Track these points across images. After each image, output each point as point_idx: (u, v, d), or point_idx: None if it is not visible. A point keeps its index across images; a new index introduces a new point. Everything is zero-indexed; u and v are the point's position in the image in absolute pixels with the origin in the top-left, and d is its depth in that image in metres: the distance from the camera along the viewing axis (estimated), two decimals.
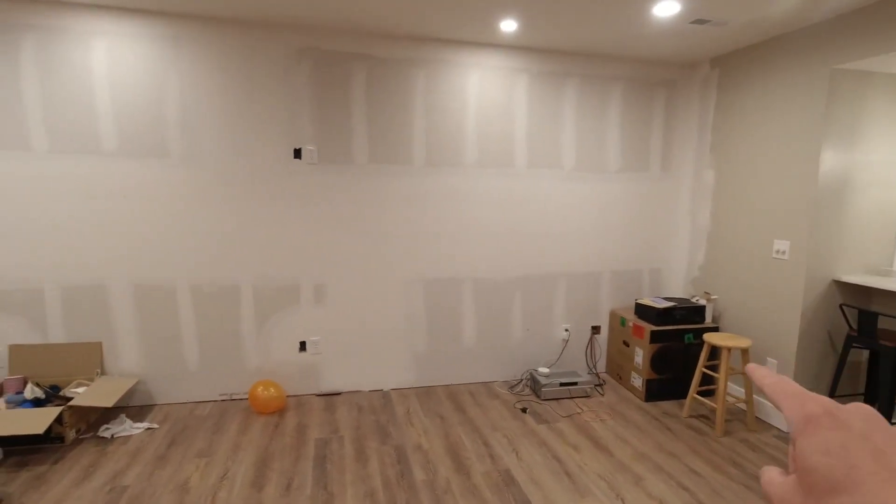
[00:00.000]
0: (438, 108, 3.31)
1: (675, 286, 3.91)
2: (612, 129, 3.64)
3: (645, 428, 3.00)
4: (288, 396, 3.25)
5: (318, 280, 3.27)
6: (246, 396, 3.20)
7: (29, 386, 2.82)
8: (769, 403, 1.86)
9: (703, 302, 3.45)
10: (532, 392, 3.48)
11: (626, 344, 3.58)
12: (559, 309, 3.73)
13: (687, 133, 3.76)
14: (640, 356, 3.41)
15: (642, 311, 3.49)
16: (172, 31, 2.88)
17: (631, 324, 3.52)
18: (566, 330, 3.76)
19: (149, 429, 2.82)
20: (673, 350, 3.36)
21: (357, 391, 3.41)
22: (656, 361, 3.35)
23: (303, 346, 3.30)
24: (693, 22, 2.80)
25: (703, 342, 3.35)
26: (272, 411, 3.06)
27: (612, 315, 3.79)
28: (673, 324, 3.38)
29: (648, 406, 3.31)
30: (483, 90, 3.37)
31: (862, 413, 0.29)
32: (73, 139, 2.85)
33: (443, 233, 3.43)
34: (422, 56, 3.23)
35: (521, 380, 3.69)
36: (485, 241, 3.51)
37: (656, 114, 3.71)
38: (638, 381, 3.43)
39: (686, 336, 3.37)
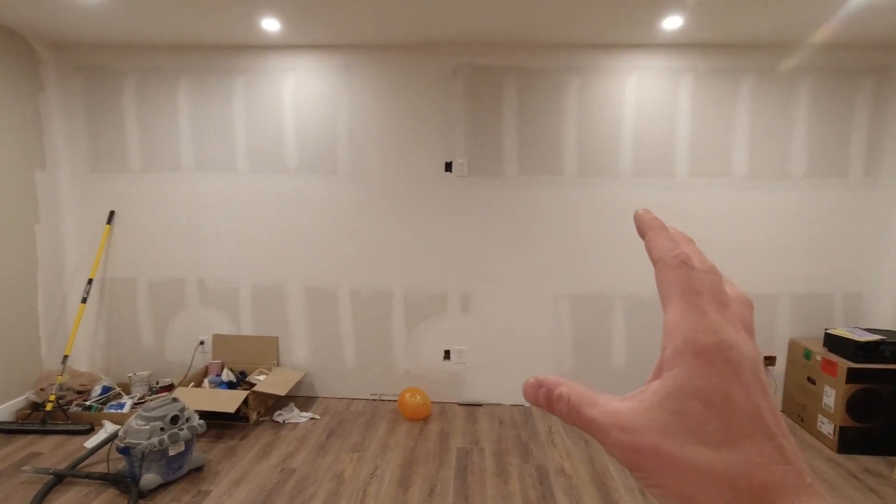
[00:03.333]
0: (591, 117, 3.18)
1: (881, 316, 3.22)
2: (798, 129, 3.14)
3: (837, 485, 2.50)
4: (432, 402, 3.37)
5: (464, 290, 3.35)
6: (394, 398, 3.40)
7: (225, 370, 3.34)
8: None
9: None
10: None
11: (812, 381, 3.03)
12: None
13: None
14: (830, 397, 2.86)
15: (834, 343, 2.93)
16: (344, 62, 3.21)
17: (819, 357, 2.98)
18: None
19: (312, 418, 3.15)
20: (880, 394, 2.76)
21: (498, 404, 3.41)
22: (856, 406, 2.78)
23: (447, 354, 3.40)
24: None
25: None
26: (419, 418, 3.20)
27: (793, 345, 3.25)
28: (879, 361, 2.77)
29: (843, 459, 2.76)
30: (641, 95, 3.15)
31: (751, 356, 0.25)
32: (266, 161, 3.32)
33: (593, 246, 3.27)
34: (574, 64, 3.14)
35: None
36: (639, 256, 3.26)
37: (859, 108, 3.10)
38: (828, 428, 2.88)
39: None
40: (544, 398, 0.28)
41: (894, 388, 2.75)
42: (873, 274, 3.23)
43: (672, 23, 2.75)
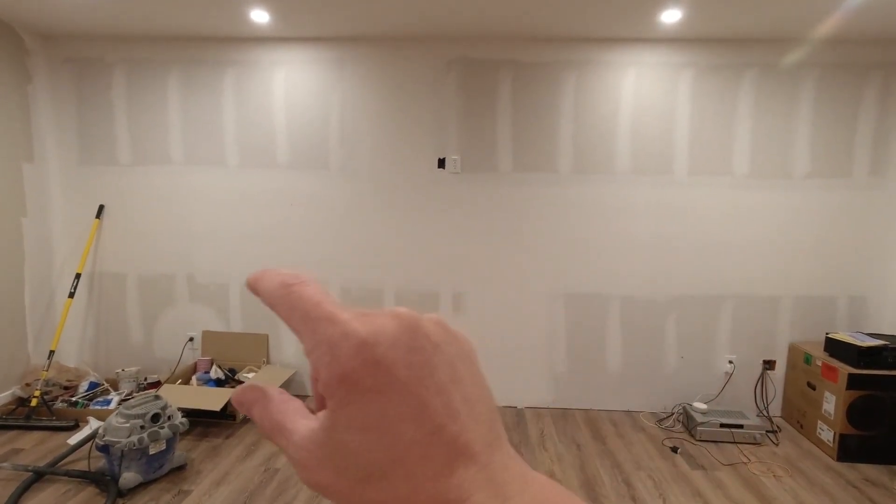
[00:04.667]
0: (588, 113, 3.10)
1: (885, 320, 3.13)
2: (801, 126, 3.05)
3: (837, 495, 2.42)
4: None
5: (457, 289, 3.29)
6: None
7: (214, 367, 3.30)
8: None
9: None
10: (685, 429, 3.06)
11: (812, 386, 2.95)
12: (722, 336, 3.23)
13: None
14: (831, 403, 2.78)
15: (836, 347, 2.85)
16: (336, 55, 3.14)
17: (819, 362, 2.90)
18: (730, 362, 3.24)
19: None
20: (881, 401, 2.67)
21: None
22: (856, 413, 2.70)
23: None
24: None
25: None
26: None
27: (793, 349, 3.16)
28: (882, 367, 2.69)
29: (842, 468, 2.68)
30: (639, 90, 3.07)
31: (407, 351, 0.21)
32: (256, 155, 3.26)
33: (589, 245, 3.20)
34: (571, 58, 3.06)
35: (672, 413, 3.27)
36: (635, 255, 3.19)
37: (866, 105, 3.01)
38: (828, 434, 2.80)
39: None
40: (248, 414, 0.24)
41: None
42: (877, 277, 3.13)
43: (671, 16, 2.67)
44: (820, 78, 3.01)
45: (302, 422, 0.23)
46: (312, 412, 0.23)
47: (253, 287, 0.25)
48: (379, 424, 0.21)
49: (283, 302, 0.23)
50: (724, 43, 3.00)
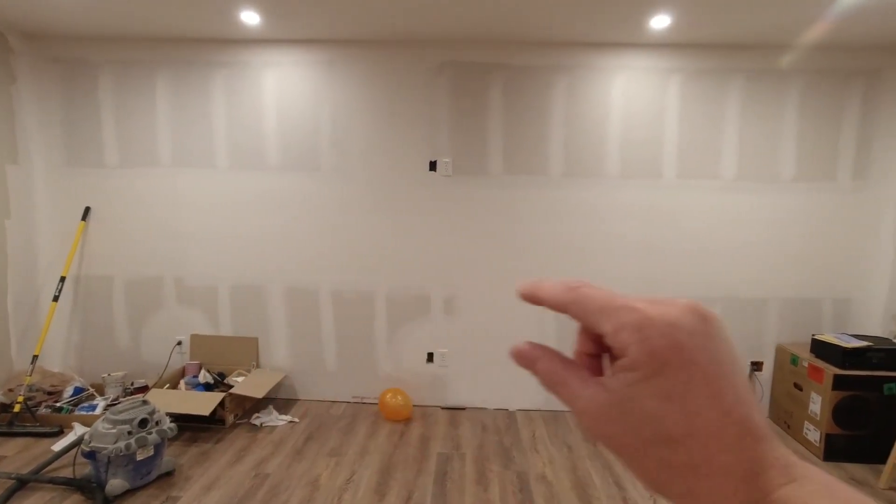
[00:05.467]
0: (578, 116, 3.12)
1: (869, 322, 3.18)
2: (787, 131, 3.10)
3: None
4: (414, 406, 3.30)
5: (448, 292, 3.28)
6: (375, 401, 3.33)
7: (203, 371, 3.26)
8: None
9: None
10: None
11: (799, 387, 2.99)
12: None
13: (893, 133, 3.04)
14: (817, 404, 2.82)
15: (822, 349, 2.89)
16: (327, 57, 3.13)
17: (806, 364, 2.94)
18: None
19: (291, 422, 3.07)
20: (866, 401, 2.72)
21: (482, 408, 3.35)
22: (842, 413, 2.74)
23: (430, 357, 3.34)
24: None
25: None
26: (399, 419, 3.13)
27: (780, 350, 3.21)
28: (866, 368, 2.74)
29: (828, 467, 2.71)
30: (629, 95, 3.10)
31: (704, 339, 0.25)
32: (246, 157, 3.24)
33: (579, 248, 3.22)
34: (562, 62, 3.08)
35: None
36: (625, 258, 3.21)
37: (849, 110, 3.07)
38: (814, 435, 2.84)
39: (887, 386, 2.70)
40: (529, 368, 0.30)
41: (881, 396, 2.71)
42: (861, 279, 3.19)
43: (660, 22, 2.71)
44: (805, 84, 3.06)
45: (589, 381, 0.27)
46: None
47: (531, 297, 0.30)
48: (680, 398, 0.24)
49: (575, 301, 0.27)
50: (711, 48, 3.04)
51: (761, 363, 3.27)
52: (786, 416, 3.11)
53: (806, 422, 2.91)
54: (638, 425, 0.25)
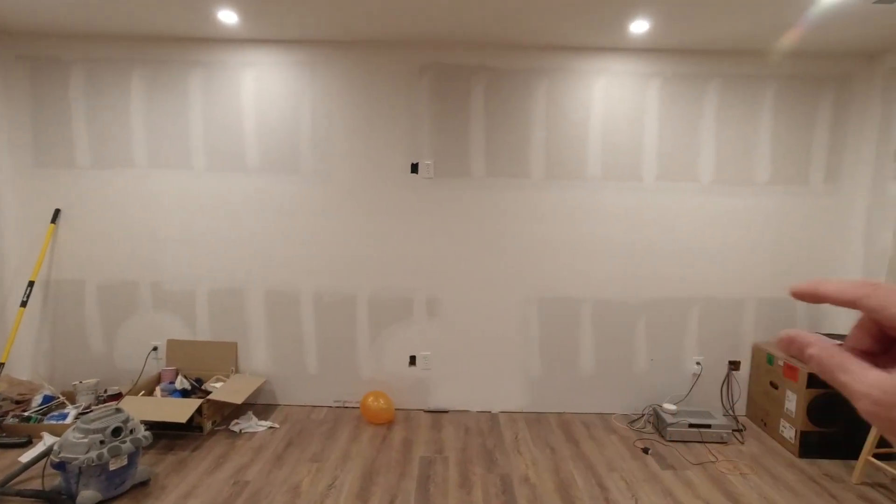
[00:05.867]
0: (559, 119, 3.14)
1: (840, 321, 3.27)
2: (762, 135, 3.17)
3: (799, 491, 2.51)
4: (396, 409, 3.28)
5: (430, 295, 3.27)
6: (357, 405, 3.29)
7: (179, 377, 3.18)
8: None
9: None
10: (655, 430, 3.12)
11: (775, 386, 3.05)
12: (690, 339, 3.32)
13: (863, 138, 3.14)
14: (792, 402, 2.89)
15: None
16: (308, 58, 3.09)
17: (781, 362, 3.00)
18: (698, 363, 3.33)
19: (271, 427, 3.02)
20: (839, 399, 2.79)
21: (465, 411, 3.34)
22: (816, 411, 2.81)
23: (413, 360, 3.32)
24: (878, 1, 2.32)
25: None
26: (381, 422, 3.10)
27: (757, 350, 3.27)
28: None
29: (804, 464, 2.78)
30: (609, 98, 3.13)
31: None
32: (224, 159, 3.17)
33: (561, 250, 3.24)
34: (543, 65, 3.10)
35: (643, 415, 3.33)
36: (607, 259, 3.24)
37: (821, 116, 3.15)
38: (789, 432, 2.90)
39: None
40: (797, 353, 0.31)
41: None
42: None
43: (639, 26, 2.74)
44: (779, 89, 3.13)
45: (870, 367, 0.28)
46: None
47: (813, 295, 0.31)
48: None
49: (872, 295, 0.29)
50: (689, 53, 3.09)
51: (739, 362, 3.33)
52: (763, 415, 3.17)
53: (782, 419, 2.97)
54: None
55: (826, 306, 3.29)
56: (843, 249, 3.25)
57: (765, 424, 3.15)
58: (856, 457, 2.77)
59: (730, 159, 3.19)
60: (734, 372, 3.34)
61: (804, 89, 3.13)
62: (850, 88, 3.13)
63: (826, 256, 3.26)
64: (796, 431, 2.85)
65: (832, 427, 2.81)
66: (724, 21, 2.64)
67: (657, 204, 3.21)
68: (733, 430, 3.11)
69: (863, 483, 2.58)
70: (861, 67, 3.11)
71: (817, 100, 3.14)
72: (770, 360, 3.11)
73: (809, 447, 2.83)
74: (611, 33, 2.85)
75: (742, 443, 3.00)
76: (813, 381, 2.78)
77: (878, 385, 0.27)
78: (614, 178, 3.19)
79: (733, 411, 3.35)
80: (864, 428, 2.77)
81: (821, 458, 2.83)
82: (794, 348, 0.31)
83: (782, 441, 2.97)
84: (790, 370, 2.92)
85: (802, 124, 3.16)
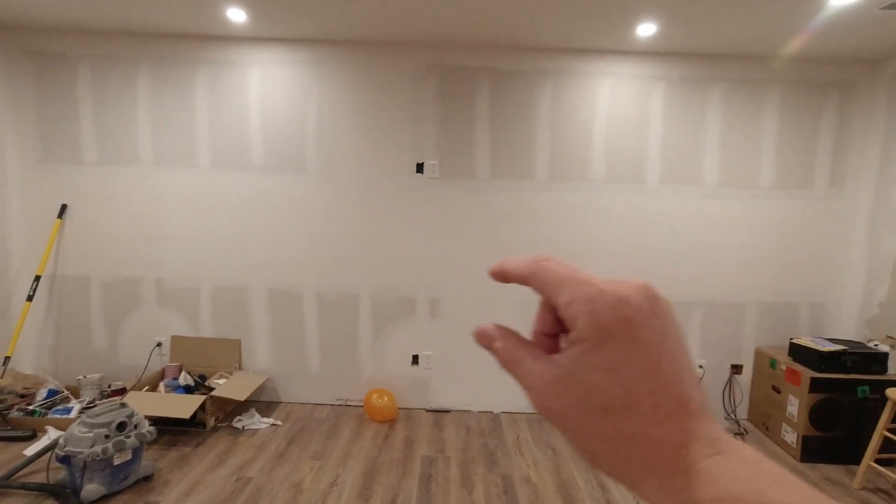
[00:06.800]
0: (564, 121, 3.15)
1: (843, 326, 3.27)
2: (767, 139, 3.17)
3: None
4: (399, 408, 3.28)
5: (433, 294, 3.28)
6: (360, 404, 3.30)
7: (183, 373, 3.20)
8: None
9: (884, 348, 2.83)
10: None
11: (777, 390, 3.06)
12: (692, 342, 3.32)
13: (867, 143, 3.14)
14: (794, 406, 2.89)
15: (799, 352, 2.96)
16: (314, 57, 3.11)
17: (784, 367, 3.01)
18: (700, 366, 3.33)
19: (273, 425, 3.03)
20: (841, 404, 2.79)
21: (466, 411, 3.34)
22: (818, 415, 2.81)
23: (415, 359, 3.33)
24: (885, 7, 2.32)
25: (884, 398, 2.73)
26: (384, 420, 3.11)
27: (759, 354, 3.27)
28: (841, 371, 2.81)
29: (805, 468, 2.78)
30: (614, 101, 3.14)
31: (650, 316, 0.26)
32: (230, 156, 3.19)
33: (564, 251, 3.24)
34: (548, 67, 3.11)
35: None
36: (609, 262, 3.25)
37: (825, 121, 3.16)
38: (791, 436, 2.90)
39: (860, 388, 2.78)
40: (488, 347, 0.30)
41: (855, 398, 2.78)
42: (836, 285, 3.28)
43: (646, 30, 2.75)
44: (783, 94, 3.14)
45: (540, 358, 0.28)
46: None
47: (499, 273, 0.30)
48: (623, 369, 0.25)
49: (538, 272, 0.28)
50: (694, 57, 3.10)
51: (741, 366, 3.33)
52: (764, 419, 3.17)
53: (784, 424, 2.97)
54: (581, 397, 0.26)
55: (830, 307, 3.29)
56: (847, 254, 3.25)
57: (766, 428, 3.15)
58: (857, 462, 2.77)
59: (734, 163, 3.19)
60: (736, 375, 3.34)
61: (809, 94, 3.13)
62: (854, 94, 3.13)
63: (830, 261, 3.26)
64: (798, 435, 2.85)
65: (834, 431, 2.81)
66: (731, 25, 2.65)
67: (660, 207, 3.22)
68: (735, 434, 3.11)
69: (864, 488, 2.58)
70: (866, 73, 3.11)
71: (822, 105, 3.14)
72: (773, 364, 3.12)
73: (811, 451, 2.83)
74: (617, 36, 2.86)
75: None
76: (815, 385, 2.79)
77: (542, 377, 0.27)
78: (618, 181, 3.20)
79: (735, 415, 3.35)
80: (866, 433, 2.77)
81: (822, 462, 2.83)
82: (484, 341, 0.30)
83: (784, 445, 2.97)
84: (793, 374, 2.92)
85: (807, 129, 3.16)
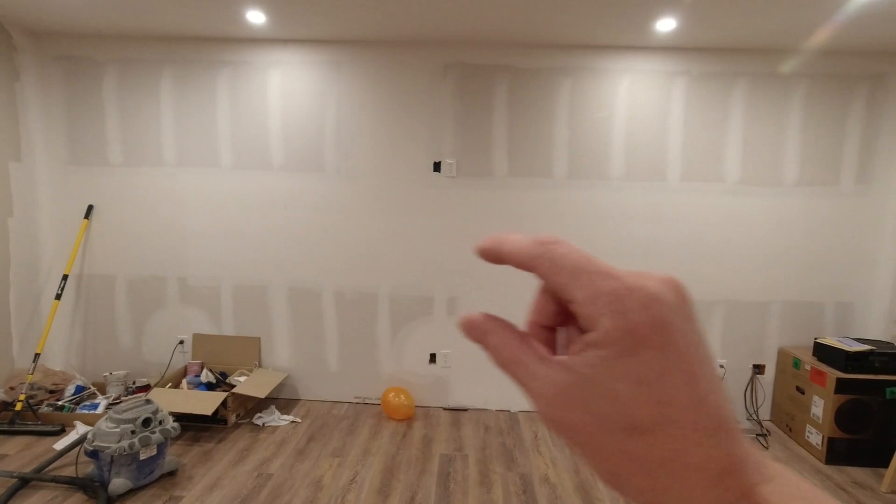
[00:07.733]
0: (583, 118, 3.12)
1: (871, 326, 3.19)
2: (791, 135, 3.10)
3: None
4: (416, 407, 3.30)
5: (451, 293, 3.28)
6: (377, 402, 3.33)
7: (205, 370, 3.26)
8: None
9: None
10: None
11: (801, 391, 2.99)
12: (714, 341, 3.27)
13: None
14: (819, 407, 2.83)
15: (824, 352, 2.90)
16: (333, 57, 3.13)
17: (808, 367, 2.94)
18: (721, 366, 3.28)
19: (293, 422, 3.07)
20: (869, 405, 2.73)
21: (484, 409, 3.34)
22: (844, 417, 2.75)
23: (433, 357, 3.34)
24: None
25: None
26: (401, 418, 3.13)
27: (782, 354, 3.21)
28: (869, 372, 2.74)
29: (830, 470, 2.72)
30: (633, 97, 3.10)
31: (683, 319, 0.22)
32: (250, 157, 3.23)
33: (583, 249, 3.21)
34: (567, 64, 3.09)
35: None
36: (629, 260, 3.21)
37: (853, 115, 3.07)
38: (816, 438, 2.84)
39: (889, 390, 2.71)
40: (479, 341, 0.26)
41: (883, 399, 2.71)
42: (864, 283, 3.20)
43: (666, 25, 2.71)
44: (809, 88, 3.07)
45: (547, 360, 0.24)
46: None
47: (493, 253, 0.26)
48: (656, 381, 0.21)
49: (544, 257, 0.24)
50: (716, 52, 3.04)
51: (763, 366, 3.27)
52: (788, 420, 3.11)
53: (808, 425, 2.91)
54: (602, 412, 0.22)
55: (858, 306, 3.21)
56: (876, 251, 3.17)
57: (790, 430, 3.09)
58: (886, 464, 2.70)
59: (757, 159, 3.13)
60: (759, 376, 3.28)
61: (835, 88, 3.06)
62: (884, 87, 3.04)
63: (857, 259, 3.18)
64: (823, 437, 2.79)
65: (861, 434, 2.74)
66: (753, 19, 2.59)
67: (681, 204, 3.17)
68: (757, 435, 3.06)
69: (892, 491, 2.52)
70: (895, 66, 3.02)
71: (849, 99, 3.06)
72: (797, 364, 3.05)
73: (837, 454, 2.77)
74: (636, 32, 2.82)
75: (766, 447, 2.95)
76: (842, 386, 2.72)
77: (552, 382, 0.23)
78: (638, 178, 3.16)
79: (757, 416, 3.30)
80: (894, 435, 2.70)
81: (848, 465, 2.76)
82: (475, 335, 0.26)
83: (808, 447, 2.91)
84: (818, 375, 2.86)
85: (833, 124, 3.09)
